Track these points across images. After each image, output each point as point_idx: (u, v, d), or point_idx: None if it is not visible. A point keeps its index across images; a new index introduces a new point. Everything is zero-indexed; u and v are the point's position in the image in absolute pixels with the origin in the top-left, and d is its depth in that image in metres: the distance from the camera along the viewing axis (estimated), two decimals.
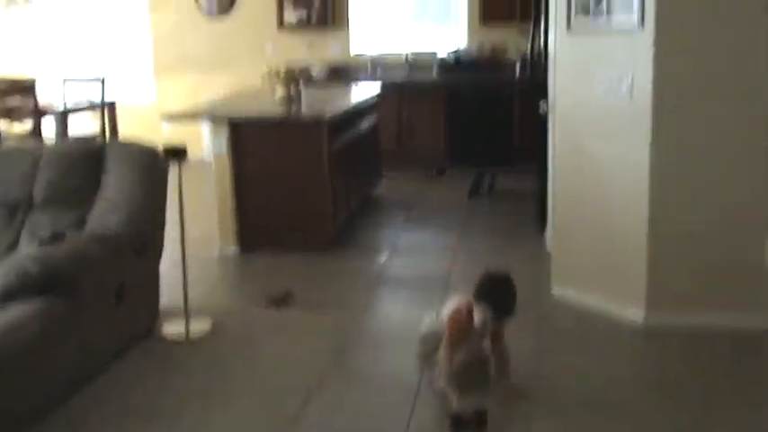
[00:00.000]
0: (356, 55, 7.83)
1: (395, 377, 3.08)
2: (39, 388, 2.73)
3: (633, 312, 3.60)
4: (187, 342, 3.50)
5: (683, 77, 3.38)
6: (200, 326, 3.61)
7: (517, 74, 7.14)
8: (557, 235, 4.10)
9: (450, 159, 7.23)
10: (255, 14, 7.95)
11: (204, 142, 7.15)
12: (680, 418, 2.77)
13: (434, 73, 7.49)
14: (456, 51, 7.45)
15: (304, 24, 7.70)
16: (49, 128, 6.80)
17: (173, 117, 5.39)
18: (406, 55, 7.68)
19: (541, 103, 4.44)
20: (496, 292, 2.73)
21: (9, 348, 2.58)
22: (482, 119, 6.67)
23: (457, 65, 7.37)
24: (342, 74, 7.62)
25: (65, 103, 7.15)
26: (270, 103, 5.21)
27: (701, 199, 3.48)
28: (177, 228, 3.60)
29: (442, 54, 7.51)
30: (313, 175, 4.75)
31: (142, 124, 7.86)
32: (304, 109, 5.03)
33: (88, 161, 3.53)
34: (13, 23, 8.14)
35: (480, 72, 7.29)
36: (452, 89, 7.16)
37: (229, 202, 4.79)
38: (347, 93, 6.04)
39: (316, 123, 4.71)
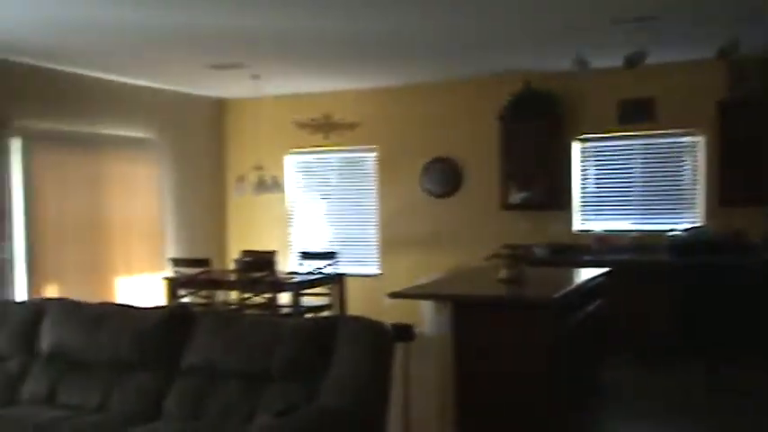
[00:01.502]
0: (579, 232, 7.77)
1: None
2: None
3: None
4: None
5: None
6: None
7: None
8: None
9: (684, 347, 6.74)
10: (479, 195, 8.24)
11: (425, 318, 7.29)
12: None
13: (665, 254, 7.17)
14: (691, 230, 7.12)
15: (527, 204, 7.83)
16: (284, 298, 7.31)
17: (397, 295, 5.58)
18: (633, 233, 7.49)
19: None
20: None
21: None
22: (723, 307, 6.23)
23: (693, 246, 6.98)
24: (565, 254, 7.55)
25: (300, 275, 7.69)
26: (492, 282, 5.25)
27: None
28: (402, 406, 3.62)
29: (673, 233, 7.22)
30: (536, 359, 4.61)
31: (367, 296, 8.22)
32: (528, 290, 5.00)
33: (322, 337, 3.70)
34: (261, 204, 9.07)
35: (720, 255, 6.86)
36: (687, 272, 6.79)
37: (450, 383, 4.76)
38: (572, 274, 5.94)
39: (540, 305, 4.65)
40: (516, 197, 7.86)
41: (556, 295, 4.72)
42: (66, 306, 4.35)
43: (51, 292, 7.05)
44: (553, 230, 7.85)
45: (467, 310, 4.78)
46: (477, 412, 4.71)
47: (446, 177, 8.47)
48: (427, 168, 8.55)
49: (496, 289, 5.05)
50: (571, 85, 7.67)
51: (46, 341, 4.21)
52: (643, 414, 5.27)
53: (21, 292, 6.86)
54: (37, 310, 4.36)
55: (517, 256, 5.38)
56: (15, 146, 6.88)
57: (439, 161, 8.49)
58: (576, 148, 7.90)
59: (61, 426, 3.61)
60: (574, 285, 5.25)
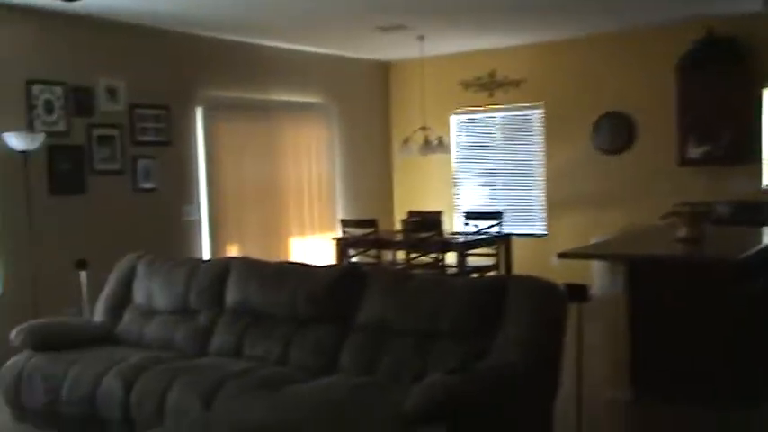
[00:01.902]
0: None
1: None
2: None
3: None
4: None
5: None
6: None
7: None
8: None
9: None
10: (654, 151, 7.84)
11: (595, 279, 7.08)
12: None
13: None
14: None
15: (708, 159, 7.35)
16: (451, 259, 7.35)
17: (568, 255, 5.44)
18: None
19: None
20: None
21: None
22: None
23: None
24: (751, 213, 7.03)
25: (466, 235, 7.70)
26: (670, 242, 4.99)
27: None
28: (572, 367, 3.55)
29: None
30: (717, 321, 4.37)
31: (534, 257, 8.10)
32: (710, 250, 4.71)
33: (493, 295, 3.69)
34: (426, 165, 9.14)
35: None
36: None
37: (624, 345, 4.61)
38: (759, 235, 5.52)
39: (722, 265, 4.37)
40: (695, 152, 7.39)
41: (741, 256, 4.41)
42: (248, 264, 4.62)
43: (232, 251, 7.53)
44: (737, 187, 7.33)
45: (642, 271, 4.59)
46: (653, 376, 4.54)
47: (618, 133, 8.11)
48: (597, 124, 8.23)
49: (675, 249, 4.80)
50: (759, 28, 7.06)
51: (231, 296, 4.50)
52: None
53: (206, 252, 7.37)
54: (223, 267, 4.66)
55: (698, 214, 5.06)
56: (198, 115, 7.34)
57: (610, 116, 8.14)
58: (766, 97, 7.28)
59: (250, 375, 3.85)
60: (762, 246, 4.88)
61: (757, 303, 4.65)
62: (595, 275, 7.15)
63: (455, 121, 9.27)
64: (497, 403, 3.15)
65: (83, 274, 5.67)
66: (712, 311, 4.38)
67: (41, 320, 4.90)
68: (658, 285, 4.57)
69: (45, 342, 4.52)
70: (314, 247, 8.43)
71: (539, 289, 3.60)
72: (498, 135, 9.10)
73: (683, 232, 4.91)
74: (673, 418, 4.19)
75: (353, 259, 7.72)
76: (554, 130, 8.56)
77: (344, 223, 7.83)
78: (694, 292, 4.44)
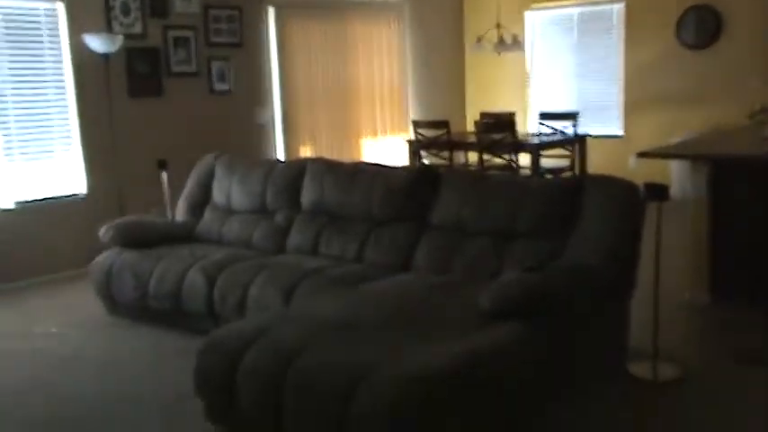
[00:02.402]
0: None
1: None
2: (505, 405, 2.87)
3: None
4: (655, 384, 3.40)
5: None
6: (668, 371, 3.48)
7: None
8: None
9: None
10: (742, 46, 7.44)
11: (674, 181, 6.91)
12: None
13: None
14: None
15: None
16: (525, 160, 7.26)
17: (648, 155, 5.29)
18: None
19: None
20: None
21: (489, 366, 2.76)
22: None
23: None
24: None
25: (540, 136, 7.57)
26: (758, 141, 4.79)
27: None
28: (649, 268, 3.52)
29: None
30: None
31: (609, 159, 7.92)
32: None
33: (568, 195, 3.65)
34: (500, 64, 8.92)
35: None
36: None
37: (705, 247, 4.52)
38: None
39: None
40: None
41: None
42: (322, 165, 4.66)
43: (304, 152, 7.60)
44: None
45: (726, 172, 4.44)
46: (731, 281, 4.46)
47: (704, 27, 7.70)
48: (682, 18, 7.82)
49: (762, 148, 4.61)
50: None
51: (307, 197, 4.58)
52: None
53: (280, 152, 7.47)
54: (298, 168, 4.73)
55: None
56: (270, 15, 7.29)
57: (696, 9, 7.72)
58: None
59: (327, 272, 3.96)
60: None
61: None
62: (675, 178, 6.98)
63: (530, 18, 8.95)
64: (572, 301, 3.16)
65: (164, 175, 5.83)
66: None
67: (128, 218, 5.10)
68: (743, 187, 4.42)
69: (132, 239, 4.72)
70: (386, 148, 8.43)
71: (616, 188, 3.54)
72: (575, 32, 8.76)
73: None
74: (748, 322, 4.13)
75: (425, 161, 7.70)
76: (635, 26, 8.18)
77: (416, 124, 7.78)
78: None
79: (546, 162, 7.36)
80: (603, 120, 8.55)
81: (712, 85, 7.69)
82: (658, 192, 3.46)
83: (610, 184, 3.63)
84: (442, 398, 2.54)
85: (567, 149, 7.56)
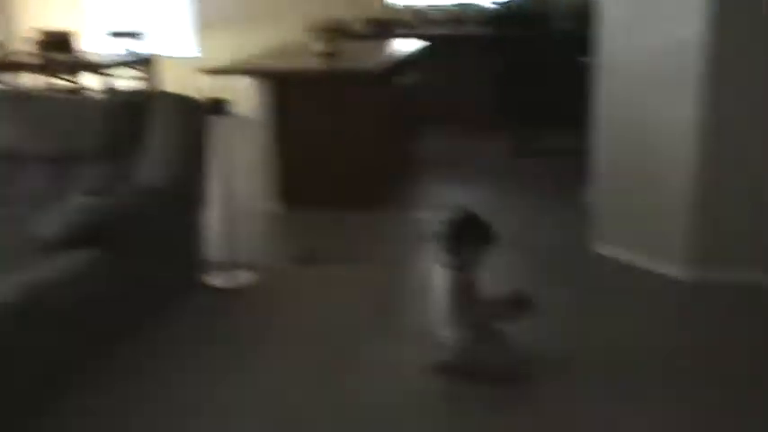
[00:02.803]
0: (396, 7, 7.72)
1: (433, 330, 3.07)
2: (84, 337, 2.80)
3: (677, 269, 3.56)
4: (232, 292, 3.58)
5: (740, 26, 3.27)
6: (245, 278, 3.67)
7: (564, 26, 6.95)
8: (599, 192, 4.04)
9: (496, 116, 7.12)
10: None
11: (247, 98, 7.15)
12: (724, 379, 2.76)
13: (479, 26, 7.33)
14: (505, 2, 7.26)
15: None
16: (90, 81, 6.87)
17: (212, 71, 5.39)
18: (450, 7, 7.55)
19: (586, 57, 4.34)
20: (471, 229, 2.72)
21: (56, 298, 2.63)
22: (530, 74, 6.54)
23: (504, 17, 7.13)
24: (383, 28, 7.52)
25: (106, 57, 7.21)
26: (311, 56, 5.18)
27: (752, 155, 3.39)
28: (224, 183, 3.64)
29: (488, 5, 7.35)
30: (357, 131, 4.74)
31: (185, 79, 7.87)
32: (347, 63, 5.00)
33: (132, 114, 3.55)
34: None
35: (529, 25, 7.07)
36: (500, 43, 6.99)
37: (274, 159, 4.81)
38: (390, 47, 5.97)
39: (359, 78, 4.69)
40: None
41: (375, 67, 4.75)
42: None
43: None
44: (372, 6, 7.73)
45: (288, 86, 4.74)
46: (301, 188, 4.85)
47: None
48: None
49: (316, 63, 5.00)
50: None
51: None
52: (454, 178, 5.66)
53: None
54: None
55: (334, 30, 5.30)
56: None
57: None
58: None
59: None
60: (392, 58, 5.30)
61: (390, 110, 5.10)
62: (244, 93, 7.23)
63: None
64: (142, 221, 3.13)
65: None
66: (351, 122, 4.73)
67: None
68: (304, 101, 4.76)
69: None
70: None
71: (176, 103, 3.54)
72: None
73: (321, 47, 5.13)
74: (315, 227, 4.56)
75: None
76: None
77: None
78: (334, 103, 4.71)
79: (119, 84, 7.05)
80: (177, 40, 8.44)
81: (275, 5, 8.04)
82: (218, 106, 3.55)
83: (171, 100, 3.60)
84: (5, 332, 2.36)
85: (138, 70, 7.32)
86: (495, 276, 3.33)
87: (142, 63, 7.33)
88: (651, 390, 2.68)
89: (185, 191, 3.44)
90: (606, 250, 3.89)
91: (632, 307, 3.36)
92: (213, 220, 3.79)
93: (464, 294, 2.68)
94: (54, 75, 6.66)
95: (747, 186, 3.42)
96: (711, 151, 3.40)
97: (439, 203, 4.95)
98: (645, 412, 2.54)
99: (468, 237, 2.72)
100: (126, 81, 7.23)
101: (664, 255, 3.62)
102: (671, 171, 3.54)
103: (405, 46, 5.93)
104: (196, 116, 3.51)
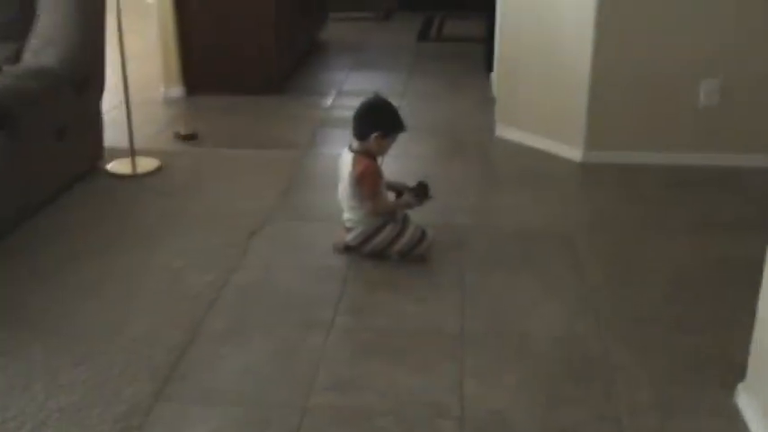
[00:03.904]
0: None
1: (337, 212, 3.11)
2: None
3: (573, 151, 3.72)
4: (134, 177, 3.52)
5: None
6: (147, 163, 3.61)
7: None
8: (502, 78, 4.13)
9: (399, 2, 7.06)
10: None
11: None
12: (615, 242, 2.95)
13: None
14: None
15: None
16: None
17: None
18: None
19: None
20: (383, 115, 2.77)
21: None
22: None
23: None
24: None
25: None
26: None
27: (643, 44, 3.53)
28: (123, 68, 3.52)
29: None
30: (258, 15, 4.64)
31: None
32: None
33: None
34: None
35: None
36: None
37: (173, 44, 4.68)
38: None
39: None
40: None
41: None
42: None
43: None
44: None
45: None
46: (201, 72, 4.75)
47: None
48: None
49: None
50: None
51: None
52: (360, 64, 5.62)
53: None
54: None
55: None
56: None
57: None
58: None
59: None
60: None
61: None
62: None
63: None
64: (32, 102, 3.02)
65: None
66: (252, 7, 4.62)
67: None
68: None
69: None
70: None
71: None
72: None
73: None
74: (215, 105, 4.50)
75: None
76: None
77: None
78: None
79: None
80: None
81: None
82: None
83: None
84: None
85: None
86: (399, 161, 3.43)
87: None
88: (540, 257, 2.83)
89: (81, 74, 3.32)
90: (508, 134, 4.01)
91: (531, 185, 3.50)
92: (112, 105, 3.68)
93: (369, 179, 2.72)
94: None
95: (631, 75, 3.57)
96: (602, 44, 3.51)
97: (343, 90, 4.95)
98: (539, 276, 2.68)
99: (375, 122, 2.74)
100: None
101: (562, 139, 3.76)
102: (568, 60, 3.64)
103: None
104: None
